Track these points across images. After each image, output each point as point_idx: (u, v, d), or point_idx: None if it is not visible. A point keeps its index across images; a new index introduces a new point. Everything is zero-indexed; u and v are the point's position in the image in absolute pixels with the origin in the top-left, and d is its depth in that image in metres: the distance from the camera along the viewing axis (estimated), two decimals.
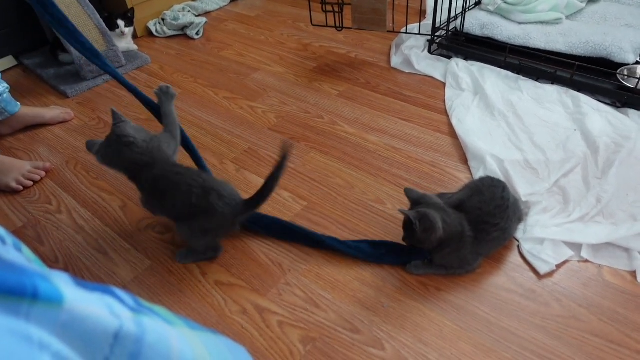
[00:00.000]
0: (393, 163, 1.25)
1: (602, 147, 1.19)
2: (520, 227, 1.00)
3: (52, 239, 1.12)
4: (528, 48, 1.54)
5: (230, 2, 2.33)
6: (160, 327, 0.41)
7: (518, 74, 1.51)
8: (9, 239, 0.44)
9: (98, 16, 1.69)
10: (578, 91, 1.39)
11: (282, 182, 1.21)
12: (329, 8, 1.66)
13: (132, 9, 1.87)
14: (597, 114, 1.30)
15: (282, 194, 1.18)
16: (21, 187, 1.27)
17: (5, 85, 1.41)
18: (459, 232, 0.89)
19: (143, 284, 1.00)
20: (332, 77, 1.64)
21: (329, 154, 1.30)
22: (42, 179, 1.30)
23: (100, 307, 0.36)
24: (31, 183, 1.28)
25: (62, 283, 0.34)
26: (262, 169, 1.27)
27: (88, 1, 1.69)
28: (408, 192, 0.94)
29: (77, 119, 1.55)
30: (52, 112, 1.52)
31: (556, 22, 1.59)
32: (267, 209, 1.14)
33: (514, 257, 0.98)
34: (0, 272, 0.30)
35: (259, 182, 1.22)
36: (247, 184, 1.23)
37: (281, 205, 1.15)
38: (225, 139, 1.39)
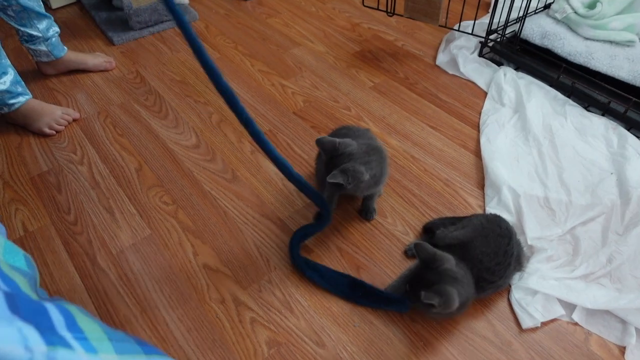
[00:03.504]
0: (407, 174, 1.21)
1: (635, 199, 1.09)
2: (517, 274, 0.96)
3: (70, 190, 1.19)
4: (587, 69, 1.41)
5: None
6: (76, 358, 0.44)
7: (568, 96, 1.39)
8: None
9: None
10: (628, 129, 1.27)
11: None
12: None
13: None
14: None
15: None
16: (54, 132, 1.34)
17: (56, 29, 1.46)
18: (467, 299, 0.85)
19: (138, 253, 1.05)
20: (371, 66, 1.58)
21: None
22: (72, 126, 1.36)
23: (14, 343, 0.39)
24: (62, 128, 1.35)
25: None
26: None
27: None
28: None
29: (117, 70, 1.59)
30: (95, 59, 1.57)
31: (627, 44, 1.43)
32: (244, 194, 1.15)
33: (500, 303, 0.95)
34: None
35: (270, 169, 1.23)
36: (258, 168, 1.23)
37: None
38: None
